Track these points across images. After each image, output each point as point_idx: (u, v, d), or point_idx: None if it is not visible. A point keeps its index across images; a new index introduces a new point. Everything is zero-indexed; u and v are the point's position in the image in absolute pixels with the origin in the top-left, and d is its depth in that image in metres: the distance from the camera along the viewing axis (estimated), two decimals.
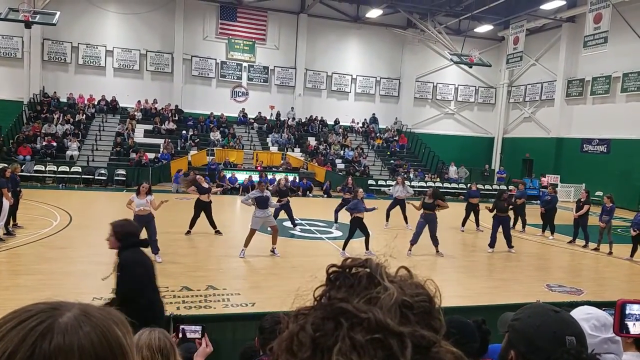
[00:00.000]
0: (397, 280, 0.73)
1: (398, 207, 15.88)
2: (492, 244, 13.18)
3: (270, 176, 24.59)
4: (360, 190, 12.07)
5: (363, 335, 0.65)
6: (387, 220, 15.88)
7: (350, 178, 17.60)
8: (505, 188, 19.85)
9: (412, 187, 26.90)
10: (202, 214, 12.88)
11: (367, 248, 11.52)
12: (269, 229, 11.42)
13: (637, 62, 25.06)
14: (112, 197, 19.12)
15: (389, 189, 16.97)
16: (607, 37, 23.41)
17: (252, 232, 10.93)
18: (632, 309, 1.42)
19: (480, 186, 28.12)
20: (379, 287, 0.70)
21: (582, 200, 14.93)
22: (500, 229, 13.13)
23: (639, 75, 25.34)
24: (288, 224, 15.22)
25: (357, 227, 11.45)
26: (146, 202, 9.94)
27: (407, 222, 15.68)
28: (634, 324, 1.43)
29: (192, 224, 12.91)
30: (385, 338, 0.65)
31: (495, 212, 13.15)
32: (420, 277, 0.76)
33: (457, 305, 6.35)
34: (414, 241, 12.09)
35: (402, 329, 0.66)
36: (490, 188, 27.84)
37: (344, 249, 11.58)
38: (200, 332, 3.04)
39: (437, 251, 12.22)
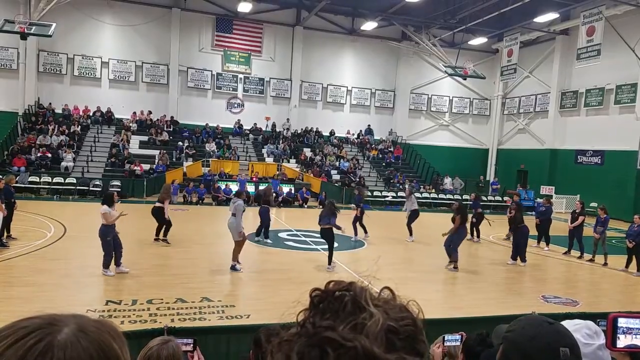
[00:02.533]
0: (381, 304, 0.72)
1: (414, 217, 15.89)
2: (523, 258, 13.02)
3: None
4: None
5: None
6: (410, 234, 15.75)
7: (356, 190, 17.43)
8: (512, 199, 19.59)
9: None
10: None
11: (329, 262, 11.24)
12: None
13: (629, 74, 25.30)
14: None
15: (404, 206, 16.66)
16: (600, 50, 23.68)
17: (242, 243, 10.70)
18: (623, 323, 1.42)
19: None
20: (365, 313, 0.69)
21: (576, 211, 14.98)
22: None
23: (632, 87, 25.58)
24: (282, 234, 15.22)
25: (325, 237, 11.20)
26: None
27: (411, 234, 15.73)
28: (619, 337, 1.42)
29: (158, 231, 12.92)
30: None
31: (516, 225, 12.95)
32: (403, 297, 0.75)
33: (453, 317, 6.35)
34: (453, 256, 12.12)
35: (389, 356, 0.66)
36: (485, 199, 27.90)
37: (329, 263, 11.31)
38: (192, 345, 3.03)
39: (455, 267, 12.00)
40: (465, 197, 28.14)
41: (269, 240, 13.90)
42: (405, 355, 0.67)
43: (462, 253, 14.87)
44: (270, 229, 14.15)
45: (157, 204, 12.98)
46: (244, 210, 10.66)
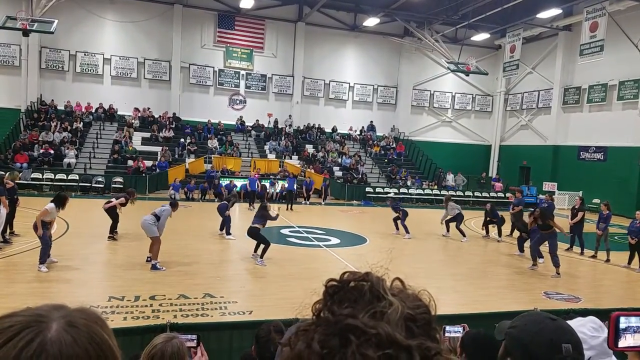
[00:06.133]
0: (397, 293, 0.74)
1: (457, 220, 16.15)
2: (539, 255, 12.80)
3: (268, 184, 24.53)
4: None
5: (374, 351, 0.65)
6: (463, 235, 15.86)
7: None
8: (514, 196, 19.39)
9: (410, 194, 27.05)
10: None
11: (260, 256, 11.13)
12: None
13: (633, 70, 25.20)
14: None
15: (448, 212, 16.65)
16: (603, 46, 23.59)
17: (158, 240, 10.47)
18: (631, 322, 1.40)
19: (477, 194, 28.26)
20: (384, 302, 0.71)
21: (576, 207, 14.97)
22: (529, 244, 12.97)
23: (635, 83, 25.48)
24: (285, 231, 15.23)
25: (253, 236, 11.24)
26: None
27: (447, 231, 16.34)
28: (625, 336, 1.40)
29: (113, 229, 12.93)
30: (395, 353, 0.66)
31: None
32: (414, 287, 0.77)
33: (455, 312, 6.34)
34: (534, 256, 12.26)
35: (410, 342, 0.67)
36: (488, 196, 27.88)
37: (261, 257, 11.15)
38: (195, 341, 3.03)
39: (557, 273, 11.62)
40: (467, 193, 28.19)
41: (230, 237, 13.80)
42: (425, 341, 0.69)
43: (464, 250, 14.89)
44: (274, 225, 14.04)
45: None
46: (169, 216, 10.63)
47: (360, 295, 0.72)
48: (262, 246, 11.17)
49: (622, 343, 1.40)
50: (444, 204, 16.74)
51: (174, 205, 11.07)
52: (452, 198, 17.64)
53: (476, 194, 28.30)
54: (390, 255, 11.36)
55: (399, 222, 16.08)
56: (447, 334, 3.36)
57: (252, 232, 11.20)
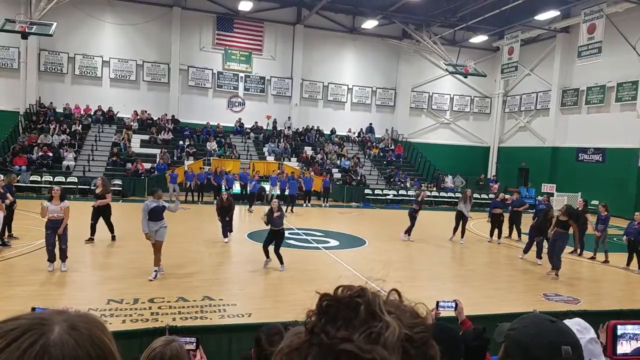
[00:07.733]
0: (393, 310, 0.70)
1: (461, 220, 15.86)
2: (538, 256, 13.02)
3: (267, 186, 24.42)
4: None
5: None
6: (460, 235, 15.81)
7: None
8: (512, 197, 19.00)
9: (409, 196, 27.06)
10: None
11: (280, 262, 10.85)
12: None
13: (631, 71, 25.26)
14: None
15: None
16: (601, 47, 23.63)
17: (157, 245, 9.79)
18: (627, 329, 1.40)
19: (476, 195, 28.24)
20: (381, 323, 0.67)
21: (579, 209, 14.98)
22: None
23: (633, 85, 25.54)
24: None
25: (275, 238, 10.90)
26: (60, 208, 9.73)
27: (454, 234, 15.96)
28: (622, 343, 1.41)
29: (93, 230, 12.90)
30: None
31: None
32: (411, 300, 0.74)
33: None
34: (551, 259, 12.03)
35: None
36: (486, 197, 27.89)
37: (282, 262, 10.87)
38: (195, 343, 3.03)
39: (556, 275, 11.55)
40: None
41: (226, 240, 13.55)
42: None
43: (465, 252, 14.90)
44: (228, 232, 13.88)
45: (99, 202, 12.85)
46: (161, 208, 9.86)
47: (355, 314, 0.69)
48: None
49: (620, 349, 1.40)
50: (465, 198, 15.78)
51: (152, 193, 10.38)
52: (452, 200, 17.53)
53: (475, 195, 28.26)
54: (384, 264, 11.29)
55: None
56: (440, 309, 3.45)
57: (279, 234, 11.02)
